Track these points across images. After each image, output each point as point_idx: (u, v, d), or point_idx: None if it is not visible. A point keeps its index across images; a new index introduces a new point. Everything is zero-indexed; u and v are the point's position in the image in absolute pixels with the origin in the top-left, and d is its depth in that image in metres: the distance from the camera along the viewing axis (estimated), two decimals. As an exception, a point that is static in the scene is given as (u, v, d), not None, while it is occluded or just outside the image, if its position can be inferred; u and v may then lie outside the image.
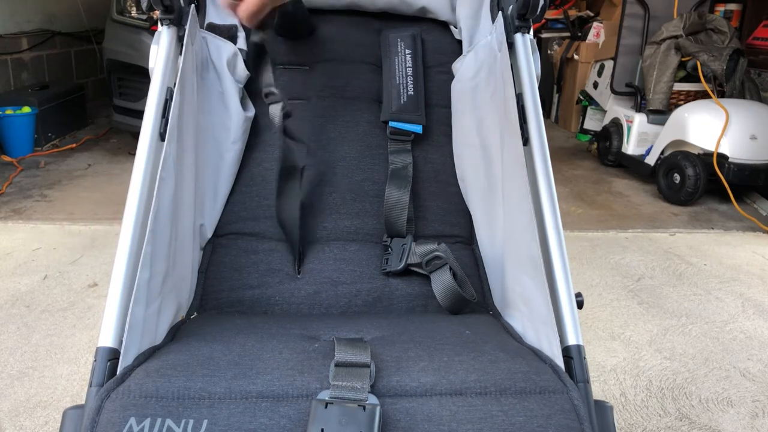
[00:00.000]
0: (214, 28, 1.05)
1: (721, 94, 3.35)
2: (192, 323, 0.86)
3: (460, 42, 1.15)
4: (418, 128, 1.08)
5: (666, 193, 3.24)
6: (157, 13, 0.95)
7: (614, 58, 3.68)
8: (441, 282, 0.96)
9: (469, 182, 1.09)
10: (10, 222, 2.75)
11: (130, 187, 0.80)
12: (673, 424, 1.53)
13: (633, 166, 3.59)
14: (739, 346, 1.89)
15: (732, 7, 3.78)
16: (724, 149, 3.04)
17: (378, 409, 0.59)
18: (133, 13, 3.73)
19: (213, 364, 0.66)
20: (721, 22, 3.44)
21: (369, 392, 0.61)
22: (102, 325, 0.69)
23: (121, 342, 0.68)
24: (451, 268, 0.96)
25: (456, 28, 1.17)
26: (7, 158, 3.63)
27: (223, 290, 0.98)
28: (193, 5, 0.98)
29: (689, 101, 3.37)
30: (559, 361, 0.70)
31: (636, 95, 3.59)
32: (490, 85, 1.01)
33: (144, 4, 0.93)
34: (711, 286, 2.29)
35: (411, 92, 1.09)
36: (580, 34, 4.61)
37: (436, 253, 0.97)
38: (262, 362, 0.66)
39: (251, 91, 1.09)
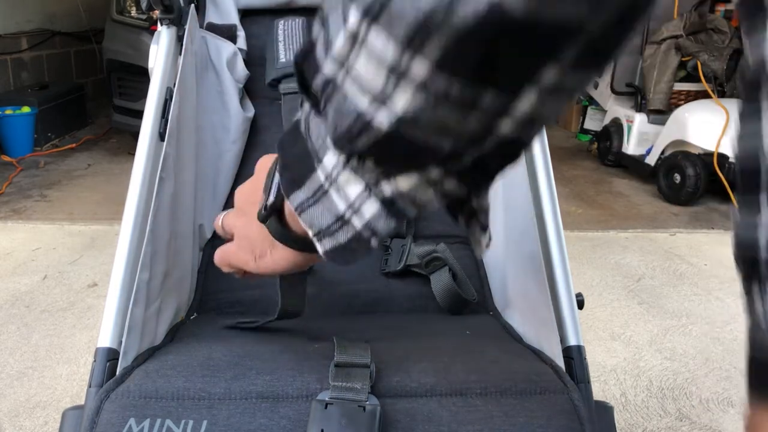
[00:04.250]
0: (213, 28, 1.05)
1: (722, 94, 3.35)
2: (192, 324, 0.86)
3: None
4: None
5: (666, 193, 3.24)
6: (156, 13, 0.95)
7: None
8: (440, 283, 0.95)
9: (469, 182, 1.09)
10: (10, 222, 2.75)
11: (129, 187, 0.80)
12: (673, 424, 1.53)
13: (633, 166, 3.59)
14: (739, 346, 1.89)
15: (732, 6, 3.78)
16: (724, 149, 3.04)
17: (378, 409, 0.59)
18: (133, 13, 3.73)
19: (212, 364, 0.66)
20: (721, 22, 3.44)
21: (369, 393, 0.61)
22: (101, 326, 0.69)
23: (120, 342, 0.68)
24: (450, 269, 0.95)
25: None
26: (6, 158, 3.63)
27: (223, 290, 0.98)
28: (192, 5, 0.98)
29: (689, 101, 3.37)
30: (560, 362, 0.70)
31: (636, 95, 3.58)
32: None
33: (144, 4, 0.93)
34: (711, 287, 2.29)
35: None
36: (580, 34, 4.60)
37: (435, 254, 0.97)
38: (261, 362, 0.66)
39: (251, 91, 1.08)
